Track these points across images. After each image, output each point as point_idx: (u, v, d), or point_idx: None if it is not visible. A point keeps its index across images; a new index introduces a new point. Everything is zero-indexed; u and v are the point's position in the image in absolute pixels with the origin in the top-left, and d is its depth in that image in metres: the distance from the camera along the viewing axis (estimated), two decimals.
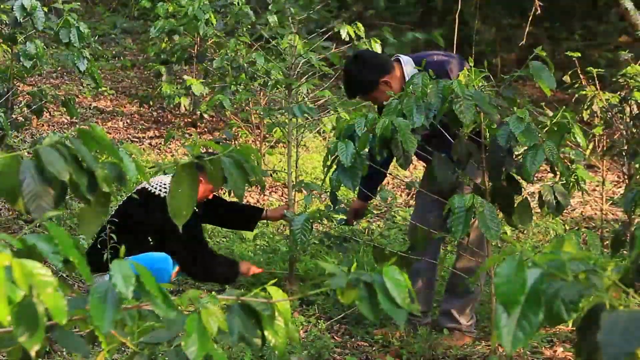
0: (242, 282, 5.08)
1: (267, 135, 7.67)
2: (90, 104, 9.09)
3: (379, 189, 4.61)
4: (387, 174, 4.61)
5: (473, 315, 4.44)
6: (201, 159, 1.97)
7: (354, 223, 4.74)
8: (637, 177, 5.08)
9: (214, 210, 4.92)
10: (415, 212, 4.55)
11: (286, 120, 5.13)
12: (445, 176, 3.72)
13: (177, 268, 4.87)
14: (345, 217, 4.59)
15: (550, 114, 3.69)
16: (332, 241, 4.47)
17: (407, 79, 4.17)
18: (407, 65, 4.24)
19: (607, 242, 5.23)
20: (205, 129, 8.46)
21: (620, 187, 7.22)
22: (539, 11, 5.67)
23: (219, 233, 5.99)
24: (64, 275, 4.86)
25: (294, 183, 5.03)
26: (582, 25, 11.26)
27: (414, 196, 5.27)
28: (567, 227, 6.39)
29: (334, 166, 3.73)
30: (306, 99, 6.22)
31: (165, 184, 4.58)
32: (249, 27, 7.37)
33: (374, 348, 4.28)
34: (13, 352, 1.65)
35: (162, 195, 4.51)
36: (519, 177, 3.77)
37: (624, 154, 5.33)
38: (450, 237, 3.63)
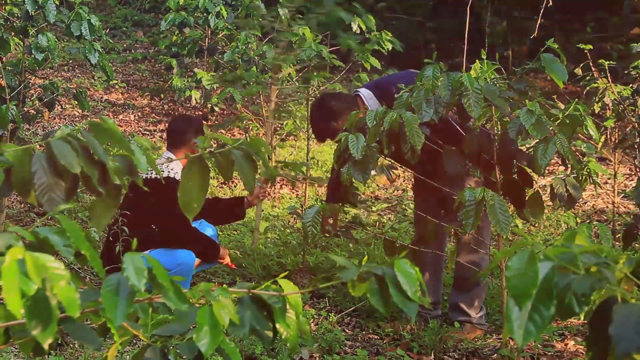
0: (252, 275, 5.08)
1: (278, 128, 7.67)
2: (102, 97, 9.11)
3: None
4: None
5: (482, 306, 4.43)
6: (211, 152, 1.97)
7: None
8: None
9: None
10: (418, 206, 4.54)
11: (298, 113, 5.12)
12: (455, 168, 3.73)
13: (196, 261, 4.88)
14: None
15: (562, 106, 3.67)
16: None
17: None
18: (369, 100, 4.30)
19: (619, 235, 5.21)
20: (216, 122, 8.46)
21: (632, 179, 7.19)
22: (551, 3, 5.64)
23: (230, 226, 6.01)
24: (76, 267, 4.88)
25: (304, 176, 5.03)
26: (594, 17, 11.21)
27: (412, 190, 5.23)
28: (579, 220, 6.37)
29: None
30: (317, 91, 6.21)
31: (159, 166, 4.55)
32: (260, 19, 7.36)
33: (384, 341, 4.28)
34: (25, 345, 1.66)
35: (152, 176, 4.46)
36: (530, 170, 3.76)
37: (636, 146, 5.31)
38: (461, 230, 3.62)
